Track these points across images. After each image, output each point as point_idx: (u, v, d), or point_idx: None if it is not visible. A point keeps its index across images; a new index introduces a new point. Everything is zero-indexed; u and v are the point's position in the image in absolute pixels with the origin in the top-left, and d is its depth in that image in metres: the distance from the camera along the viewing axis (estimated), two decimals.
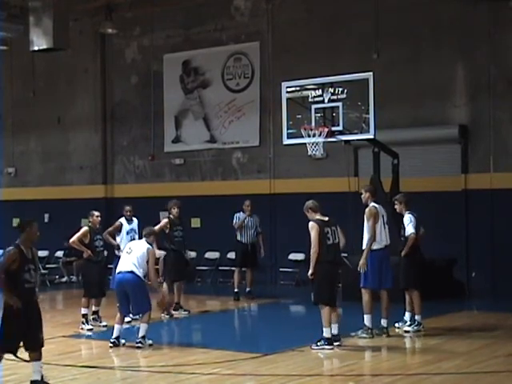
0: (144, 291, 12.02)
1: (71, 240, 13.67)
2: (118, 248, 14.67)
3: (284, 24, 20.02)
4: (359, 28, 18.87)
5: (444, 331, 12.80)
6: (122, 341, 11.89)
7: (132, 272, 11.83)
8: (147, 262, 11.88)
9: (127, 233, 14.93)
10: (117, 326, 11.94)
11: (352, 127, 15.61)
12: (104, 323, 13.68)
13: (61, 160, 23.46)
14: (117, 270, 12.11)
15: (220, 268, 20.49)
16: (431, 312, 14.29)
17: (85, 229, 13.75)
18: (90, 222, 13.91)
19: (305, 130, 15.73)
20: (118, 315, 12.01)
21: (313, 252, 11.36)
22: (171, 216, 15.15)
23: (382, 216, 12.47)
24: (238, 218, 17.12)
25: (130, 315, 13.55)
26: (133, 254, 11.96)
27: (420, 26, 18.29)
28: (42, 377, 9.21)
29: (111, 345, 11.78)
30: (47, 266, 21.98)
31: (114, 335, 11.87)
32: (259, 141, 20.49)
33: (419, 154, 18.20)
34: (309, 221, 11.55)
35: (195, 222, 20.65)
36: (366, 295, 12.32)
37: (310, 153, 15.94)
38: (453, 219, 17.70)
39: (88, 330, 13.39)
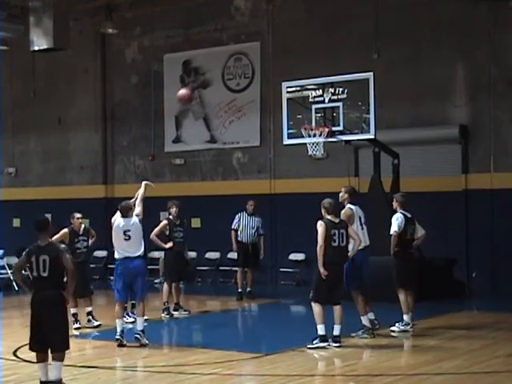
0: (146, 275, 12.45)
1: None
2: None
3: (284, 24, 20.02)
4: (359, 28, 18.87)
5: (444, 331, 12.80)
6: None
7: (139, 257, 11.95)
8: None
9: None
10: (118, 321, 11.84)
11: (352, 127, 15.62)
12: (97, 323, 13.61)
13: (61, 160, 23.46)
14: (120, 255, 11.99)
15: (220, 268, 20.49)
16: (431, 312, 14.32)
17: (64, 231, 13.75)
18: (71, 223, 13.91)
19: (305, 130, 15.74)
20: (117, 308, 11.93)
21: (318, 247, 11.42)
22: (170, 217, 15.08)
23: (360, 217, 12.49)
24: (239, 218, 17.10)
25: (130, 316, 13.51)
26: (132, 239, 11.92)
27: (420, 25, 18.29)
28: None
29: (117, 341, 11.70)
30: None
31: (119, 331, 11.77)
32: (259, 141, 20.49)
33: (419, 154, 18.20)
34: (317, 220, 11.63)
35: (195, 222, 20.65)
36: (356, 297, 12.35)
37: (310, 153, 15.95)
38: (453, 219, 17.70)
39: (75, 329, 13.35)
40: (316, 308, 11.49)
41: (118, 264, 12.07)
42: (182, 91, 12.39)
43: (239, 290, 17.08)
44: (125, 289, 12.02)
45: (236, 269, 17.84)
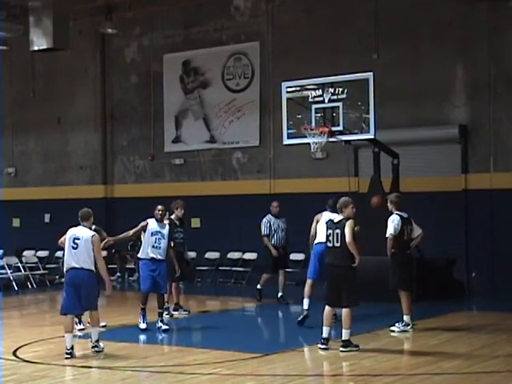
0: (95, 288, 11.45)
1: (60, 240, 13.00)
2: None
3: (284, 24, 20.02)
4: (359, 28, 18.86)
5: (444, 331, 12.79)
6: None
7: (83, 268, 11.14)
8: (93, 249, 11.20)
9: (152, 234, 13.62)
10: (68, 336, 11.05)
11: (352, 127, 15.64)
12: (103, 323, 13.49)
13: (61, 160, 23.47)
14: (66, 266, 11.33)
15: (220, 268, 20.47)
16: (431, 312, 14.32)
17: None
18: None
19: (305, 130, 15.74)
20: (68, 321, 11.21)
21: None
22: (172, 217, 15.03)
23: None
24: (269, 223, 16.24)
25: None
26: (79, 249, 11.19)
27: (420, 26, 18.29)
28: None
29: (67, 356, 10.90)
30: (47, 265, 21.93)
31: (68, 346, 10.97)
32: (259, 141, 20.48)
33: (419, 154, 18.18)
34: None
35: (195, 222, 20.64)
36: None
37: (313, 150, 15.91)
38: (453, 219, 17.69)
39: (79, 329, 13.26)
40: (324, 309, 11.38)
41: (65, 275, 11.40)
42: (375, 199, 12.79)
43: (280, 294, 16.41)
44: (73, 302, 11.20)
45: (235, 269, 17.71)
